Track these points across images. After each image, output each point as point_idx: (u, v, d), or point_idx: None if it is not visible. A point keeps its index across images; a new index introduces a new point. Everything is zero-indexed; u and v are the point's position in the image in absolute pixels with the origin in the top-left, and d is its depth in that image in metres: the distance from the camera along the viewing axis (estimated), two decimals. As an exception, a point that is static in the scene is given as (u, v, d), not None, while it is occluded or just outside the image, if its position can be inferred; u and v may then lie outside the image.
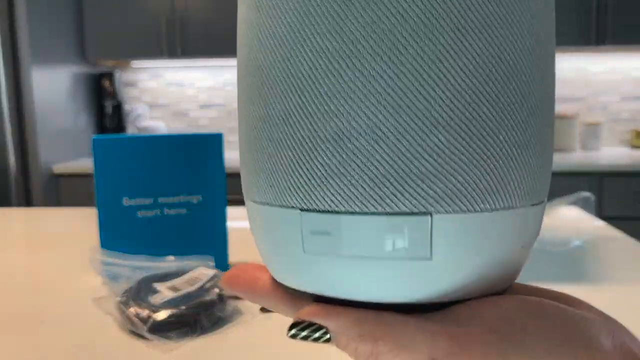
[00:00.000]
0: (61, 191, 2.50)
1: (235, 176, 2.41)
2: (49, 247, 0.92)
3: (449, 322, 0.18)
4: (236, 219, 1.12)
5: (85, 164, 2.51)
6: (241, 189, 2.39)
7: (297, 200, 0.19)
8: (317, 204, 0.18)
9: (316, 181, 0.18)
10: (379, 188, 0.17)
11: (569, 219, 1.08)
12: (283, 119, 0.19)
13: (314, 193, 0.18)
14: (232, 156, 2.70)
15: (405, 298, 0.18)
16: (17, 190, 2.32)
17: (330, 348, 0.52)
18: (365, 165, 0.17)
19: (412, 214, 0.17)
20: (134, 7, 2.60)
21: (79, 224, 1.11)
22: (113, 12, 2.62)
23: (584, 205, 1.15)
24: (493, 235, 0.18)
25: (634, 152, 2.60)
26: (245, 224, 1.09)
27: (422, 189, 0.17)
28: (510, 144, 0.18)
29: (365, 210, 0.18)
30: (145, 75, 2.96)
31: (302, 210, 0.19)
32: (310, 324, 0.19)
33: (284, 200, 0.19)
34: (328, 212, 0.18)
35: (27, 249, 0.92)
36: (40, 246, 0.93)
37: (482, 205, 0.18)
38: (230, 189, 2.35)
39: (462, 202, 0.18)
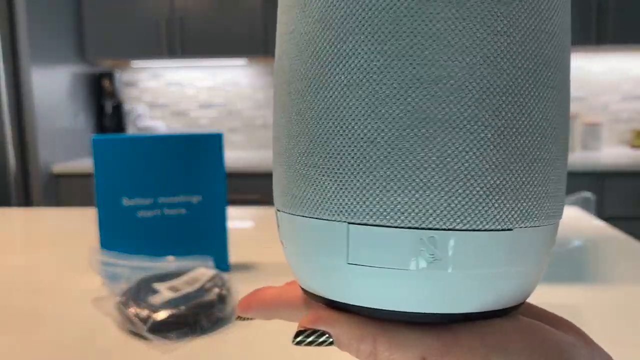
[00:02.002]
0: (61, 191, 2.50)
1: (235, 176, 2.41)
2: (48, 247, 0.92)
3: (441, 327, 0.19)
4: (236, 219, 1.12)
5: (85, 164, 2.51)
6: (241, 189, 2.40)
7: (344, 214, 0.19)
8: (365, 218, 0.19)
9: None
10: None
11: (569, 219, 1.08)
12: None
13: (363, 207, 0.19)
14: (232, 156, 2.70)
15: (423, 309, 0.19)
16: (17, 190, 2.32)
17: (330, 350, 0.52)
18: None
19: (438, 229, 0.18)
20: (133, 7, 2.60)
21: (79, 224, 1.11)
22: (113, 12, 2.62)
23: (584, 205, 1.15)
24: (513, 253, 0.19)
25: (634, 152, 2.60)
26: (245, 224, 1.08)
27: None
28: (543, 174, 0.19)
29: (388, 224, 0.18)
30: (145, 75, 2.96)
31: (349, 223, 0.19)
32: (315, 331, 0.20)
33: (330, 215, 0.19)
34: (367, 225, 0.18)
35: (27, 249, 0.92)
36: (39, 246, 0.93)
37: (507, 224, 0.18)
38: (230, 189, 2.35)
39: (484, 220, 0.18)
